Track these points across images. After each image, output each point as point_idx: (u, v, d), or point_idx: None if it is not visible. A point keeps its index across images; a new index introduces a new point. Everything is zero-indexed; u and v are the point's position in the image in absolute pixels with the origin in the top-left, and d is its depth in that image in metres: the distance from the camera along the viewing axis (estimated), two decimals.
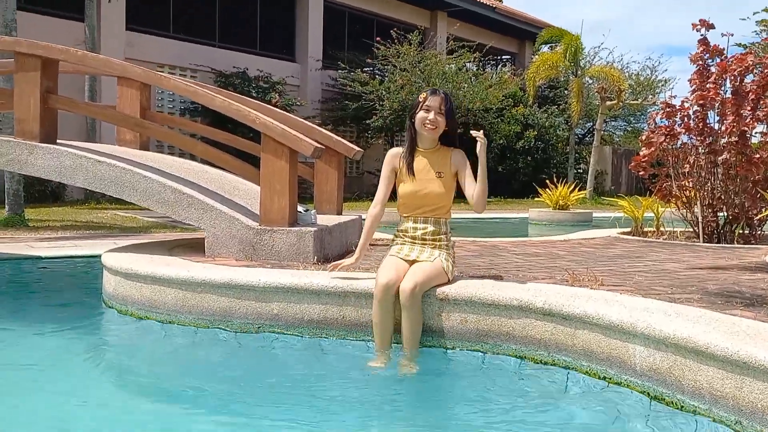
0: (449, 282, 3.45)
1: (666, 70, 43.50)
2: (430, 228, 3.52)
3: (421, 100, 3.53)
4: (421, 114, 3.50)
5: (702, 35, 6.74)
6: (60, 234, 7.88)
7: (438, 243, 3.51)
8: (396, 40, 18.30)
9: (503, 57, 29.06)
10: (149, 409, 2.79)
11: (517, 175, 20.69)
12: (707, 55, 6.65)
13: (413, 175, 3.53)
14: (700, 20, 6.75)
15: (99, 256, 4.53)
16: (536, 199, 13.13)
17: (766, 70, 6.35)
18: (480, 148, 3.44)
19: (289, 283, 3.55)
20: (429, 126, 3.48)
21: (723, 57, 6.67)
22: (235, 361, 3.43)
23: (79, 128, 13.73)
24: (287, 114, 5.99)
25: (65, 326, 4.02)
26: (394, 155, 3.62)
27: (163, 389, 3.02)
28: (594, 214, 11.86)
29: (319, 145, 4.51)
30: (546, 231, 10.24)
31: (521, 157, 20.62)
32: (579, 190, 12.76)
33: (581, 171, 22.27)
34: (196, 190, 4.56)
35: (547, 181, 12.85)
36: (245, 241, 4.34)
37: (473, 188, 3.48)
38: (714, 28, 6.76)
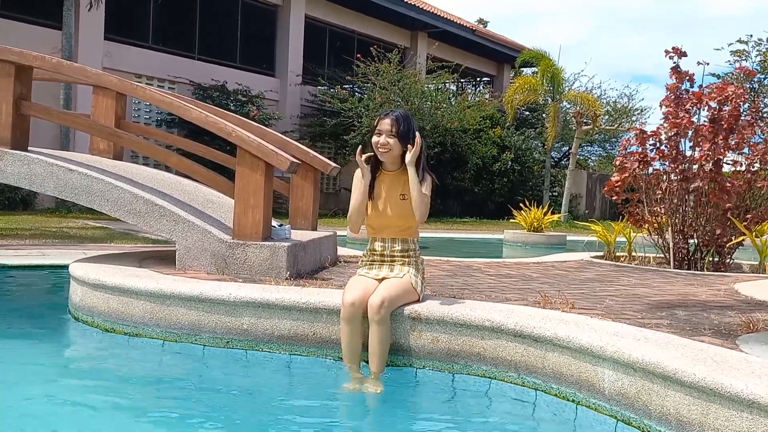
0: (419, 299, 3.44)
1: (643, 99, 44.38)
2: (398, 246, 3.50)
3: (375, 123, 3.48)
4: (374, 138, 3.46)
5: (675, 63, 6.86)
6: (28, 242, 7.73)
7: (407, 259, 3.49)
8: (376, 58, 18.41)
9: (482, 79, 29.40)
10: (111, 424, 2.72)
11: (492, 196, 20.84)
12: (685, 84, 6.76)
13: (376, 198, 3.49)
14: (673, 48, 6.85)
15: (67, 266, 4.44)
16: (511, 220, 13.21)
17: (737, 101, 6.47)
18: (409, 155, 3.36)
19: (260, 298, 3.51)
20: (381, 150, 3.43)
21: (700, 86, 6.81)
22: (200, 376, 3.37)
23: (53, 136, 13.55)
24: (264, 128, 5.96)
25: (29, 336, 3.93)
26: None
27: (126, 404, 2.95)
28: (568, 237, 11.96)
29: (295, 160, 4.49)
30: (520, 252, 10.29)
31: (497, 179, 20.78)
32: (553, 213, 12.87)
33: (556, 194, 22.52)
34: (168, 202, 4.51)
35: (522, 204, 12.95)
36: (217, 254, 4.29)
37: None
38: (686, 56, 6.87)
